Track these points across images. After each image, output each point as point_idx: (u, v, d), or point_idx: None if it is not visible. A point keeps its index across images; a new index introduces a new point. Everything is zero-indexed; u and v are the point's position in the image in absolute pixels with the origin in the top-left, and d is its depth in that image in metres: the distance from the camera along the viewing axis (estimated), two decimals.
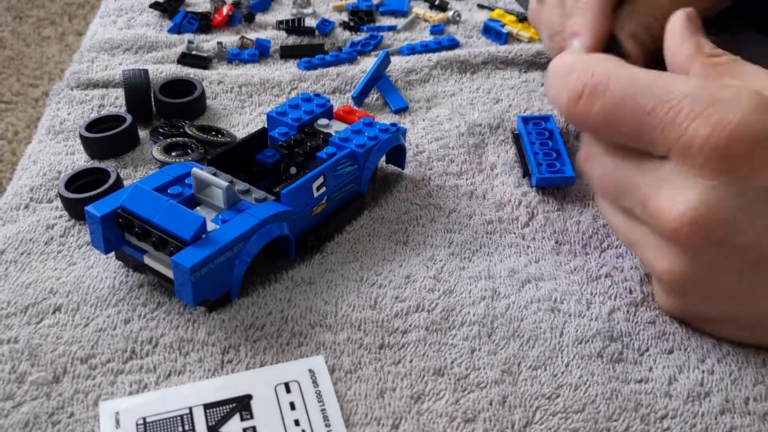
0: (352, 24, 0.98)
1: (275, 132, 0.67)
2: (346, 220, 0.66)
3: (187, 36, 0.92)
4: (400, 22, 1.00)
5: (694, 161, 0.48)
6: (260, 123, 0.79)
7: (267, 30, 0.97)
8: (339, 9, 1.01)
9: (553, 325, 0.57)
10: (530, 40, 0.94)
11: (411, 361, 0.54)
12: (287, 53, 0.91)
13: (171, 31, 0.95)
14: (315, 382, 0.52)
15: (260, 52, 0.91)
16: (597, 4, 0.69)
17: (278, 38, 0.94)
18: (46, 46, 2.78)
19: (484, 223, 0.66)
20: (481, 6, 1.05)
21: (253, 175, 0.64)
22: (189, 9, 1.02)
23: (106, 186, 0.65)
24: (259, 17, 1.01)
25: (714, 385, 0.53)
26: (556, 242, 0.64)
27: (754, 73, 0.54)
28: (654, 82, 0.51)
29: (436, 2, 1.03)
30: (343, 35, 0.96)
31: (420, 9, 1.02)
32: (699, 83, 0.50)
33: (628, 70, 0.53)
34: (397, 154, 0.70)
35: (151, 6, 1.00)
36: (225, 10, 0.97)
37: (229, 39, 0.93)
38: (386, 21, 1.01)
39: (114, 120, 0.75)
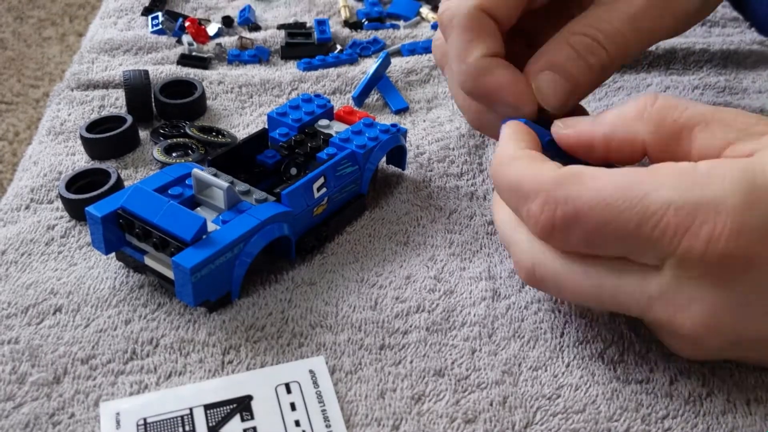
0: (353, 23, 0.98)
1: (276, 133, 0.67)
2: (347, 220, 0.66)
3: (186, 38, 0.92)
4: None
5: (692, 273, 0.46)
6: (261, 124, 0.79)
7: (267, 30, 0.97)
8: (348, 19, 1.00)
9: (554, 325, 0.57)
10: None
11: (411, 362, 0.54)
12: (288, 54, 0.91)
13: (175, 35, 0.95)
14: (315, 383, 0.52)
15: (260, 58, 0.91)
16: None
17: (278, 37, 0.94)
18: (47, 46, 2.78)
19: (484, 223, 0.66)
20: None
21: (254, 176, 0.64)
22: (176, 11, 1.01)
23: (106, 187, 0.65)
24: (259, 15, 1.01)
25: (715, 385, 0.53)
26: None
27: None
28: (628, 195, 0.47)
29: (440, 4, 1.03)
30: (344, 33, 0.96)
31: (423, 10, 1.02)
32: (675, 182, 0.46)
33: (591, 184, 0.48)
34: (398, 155, 0.70)
35: (144, 14, 1.00)
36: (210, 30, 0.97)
37: (229, 40, 0.93)
38: (391, 21, 1.01)
39: (114, 121, 0.75)
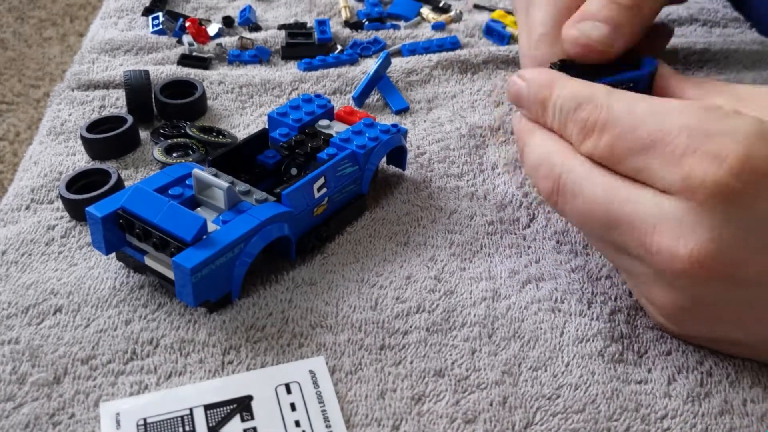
0: (354, 23, 0.98)
1: (276, 133, 0.67)
2: (347, 221, 0.66)
3: (187, 38, 0.92)
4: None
5: (696, 197, 0.46)
6: (261, 124, 0.79)
7: (268, 30, 0.97)
8: (349, 20, 1.00)
9: (554, 325, 0.57)
10: None
11: (411, 362, 0.54)
12: (288, 54, 0.91)
13: (175, 35, 0.95)
14: (315, 383, 0.52)
15: (260, 58, 0.91)
16: None
17: (278, 37, 0.94)
18: (48, 47, 2.78)
19: (485, 224, 0.66)
20: (477, 6, 1.05)
21: (254, 176, 0.64)
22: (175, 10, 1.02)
23: (107, 187, 0.65)
24: (260, 15, 1.01)
25: (713, 386, 0.53)
26: (557, 242, 0.64)
27: (749, 92, 0.54)
28: (656, 110, 0.50)
29: (441, 4, 1.03)
30: (344, 33, 0.96)
31: (424, 10, 1.02)
32: (695, 113, 0.48)
33: (625, 101, 0.52)
34: (398, 155, 0.70)
35: (144, 14, 1.00)
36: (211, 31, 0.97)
37: (229, 40, 0.93)
38: (392, 21, 1.01)
39: (115, 121, 0.75)
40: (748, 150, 0.45)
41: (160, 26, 0.95)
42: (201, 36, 0.93)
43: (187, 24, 0.94)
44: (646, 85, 0.61)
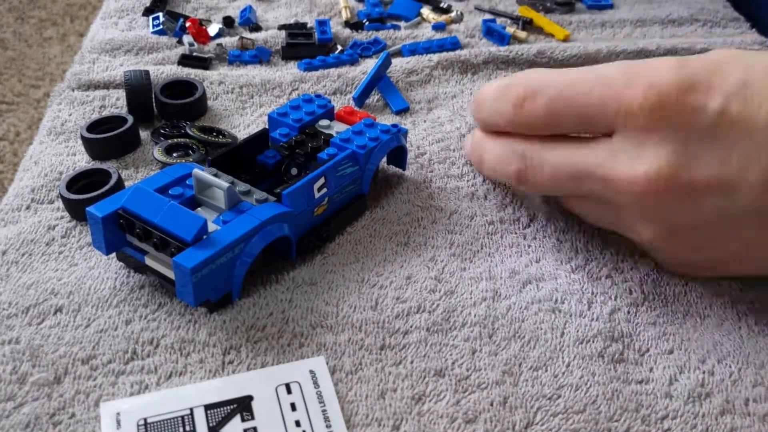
0: (354, 23, 0.98)
1: (276, 133, 0.67)
2: (347, 221, 0.66)
3: (187, 38, 0.92)
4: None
5: (636, 124, 0.53)
6: (261, 124, 0.79)
7: (268, 31, 0.97)
8: (349, 20, 1.00)
9: (554, 325, 0.57)
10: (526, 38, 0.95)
11: (412, 362, 0.54)
12: (288, 54, 0.91)
13: (176, 35, 0.95)
14: (316, 383, 0.52)
15: (260, 58, 0.91)
16: None
17: (278, 37, 0.94)
18: (48, 47, 2.78)
19: (485, 224, 0.66)
20: (478, 8, 1.05)
21: (254, 176, 0.64)
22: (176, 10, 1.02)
23: (107, 187, 0.65)
24: (260, 15, 1.01)
25: (714, 386, 0.53)
26: (558, 241, 0.64)
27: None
28: (583, 71, 0.57)
29: (442, 5, 1.03)
30: (344, 33, 0.96)
31: (424, 10, 1.02)
32: (622, 63, 0.56)
33: (557, 70, 0.59)
34: (399, 155, 0.70)
35: (144, 14, 1.00)
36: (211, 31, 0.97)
37: (230, 40, 0.93)
38: (392, 22, 1.01)
39: (115, 121, 0.75)
40: (672, 74, 0.52)
41: (161, 26, 0.95)
42: (201, 36, 0.93)
43: (188, 24, 0.94)
44: None
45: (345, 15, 1.00)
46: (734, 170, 0.51)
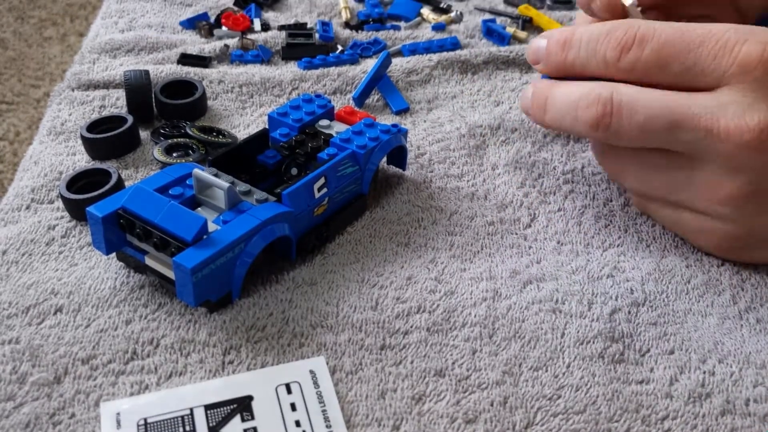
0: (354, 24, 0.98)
1: (276, 133, 0.67)
2: (348, 221, 0.66)
3: (219, 32, 0.94)
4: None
5: (751, 78, 0.54)
6: (261, 124, 0.79)
7: (268, 32, 0.97)
8: (349, 21, 1.01)
9: (555, 325, 0.57)
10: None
11: (412, 362, 0.54)
12: (288, 55, 0.91)
13: (182, 24, 0.96)
14: (316, 383, 0.52)
15: (262, 58, 0.91)
16: None
17: (278, 38, 0.94)
18: (48, 46, 2.78)
19: (485, 224, 0.66)
20: (478, 9, 1.05)
21: (255, 176, 0.64)
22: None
23: (107, 187, 0.65)
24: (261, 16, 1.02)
25: (715, 386, 0.53)
26: (558, 242, 0.64)
27: None
28: (694, 25, 0.56)
29: (442, 5, 1.03)
30: (344, 33, 0.96)
31: (424, 11, 1.02)
32: (728, 24, 0.56)
33: (666, 22, 0.58)
34: (399, 155, 0.70)
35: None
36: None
37: (232, 40, 0.93)
38: (392, 22, 1.01)
39: (115, 121, 0.75)
40: None
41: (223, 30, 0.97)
42: (238, 25, 0.95)
43: (222, 20, 0.96)
44: None
45: (345, 15, 1.00)
46: None
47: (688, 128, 0.56)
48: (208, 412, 0.50)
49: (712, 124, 0.54)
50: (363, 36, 0.95)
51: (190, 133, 0.74)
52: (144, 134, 0.77)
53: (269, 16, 1.02)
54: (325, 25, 0.96)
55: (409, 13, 1.02)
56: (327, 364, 0.53)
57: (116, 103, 0.81)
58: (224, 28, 0.96)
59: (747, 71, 0.54)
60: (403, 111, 0.82)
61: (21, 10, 2.97)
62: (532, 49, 0.65)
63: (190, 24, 0.98)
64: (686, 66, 0.56)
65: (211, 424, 0.49)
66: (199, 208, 0.60)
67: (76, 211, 0.65)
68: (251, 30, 0.97)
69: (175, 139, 0.73)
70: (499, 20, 1.00)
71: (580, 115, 0.60)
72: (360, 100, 0.82)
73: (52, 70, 2.65)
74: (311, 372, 0.53)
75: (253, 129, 0.78)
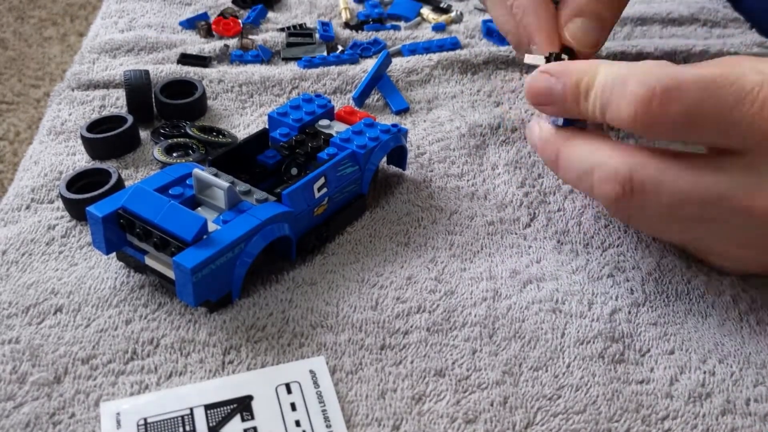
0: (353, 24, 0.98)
1: (276, 133, 0.67)
2: (347, 221, 0.66)
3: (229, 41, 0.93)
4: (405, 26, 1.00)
5: None
6: (261, 124, 0.79)
7: (268, 32, 0.97)
8: (349, 21, 1.01)
9: (555, 325, 0.57)
10: None
11: (412, 362, 0.54)
12: (288, 54, 0.91)
13: (182, 24, 0.96)
14: (316, 383, 0.52)
15: (262, 58, 0.91)
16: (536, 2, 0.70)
17: (278, 38, 0.94)
18: (48, 46, 2.78)
19: (485, 224, 0.66)
20: (478, 9, 1.05)
21: (255, 176, 0.64)
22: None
23: (107, 187, 0.65)
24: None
25: (715, 386, 0.53)
26: (558, 242, 0.64)
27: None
28: (726, 73, 0.50)
29: (442, 5, 1.03)
30: (344, 34, 0.96)
31: (424, 11, 1.02)
32: (757, 67, 0.49)
33: (687, 69, 0.51)
34: (398, 155, 0.70)
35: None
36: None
37: (231, 41, 0.93)
38: (392, 22, 1.01)
39: (115, 121, 0.75)
40: None
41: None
42: (229, 29, 0.95)
43: (213, 26, 0.95)
44: None
45: (345, 16, 1.00)
46: None
47: (716, 207, 0.51)
48: (208, 411, 0.50)
49: (744, 202, 0.50)
50: (363, 36, 0.95)
51: (190, 132, 0.74)
52: (144, 134, 0.77)
53: (269, 16, 1.02)
54: (325, 25, 0.96)
55: (409, 13, 1.02)
56: (327, 364, 0.53)
57: (116, 102, 0.81)
58: (215, 34, 0.96)
59: None
60: (403, 111, 0.82)
61: (21, 10, 2.97)
62: (539, 87, 0.59)
63: (190, 24, 0.98)
64: (720, 130, 0.50)
65: (211, 424, 0.49)
66: (199, 208, 0.60)
67: (76, 211, 0.65)
68: (251, 30, 0.96)
69: (175, 139, 0.73)
70: None
71: (596, 188, 0.55)
72: (360, 99, 0.82)
73: (52, 70, 2.65)
74: (311, 372, 0.53)
75: (253, 129, 0.78)
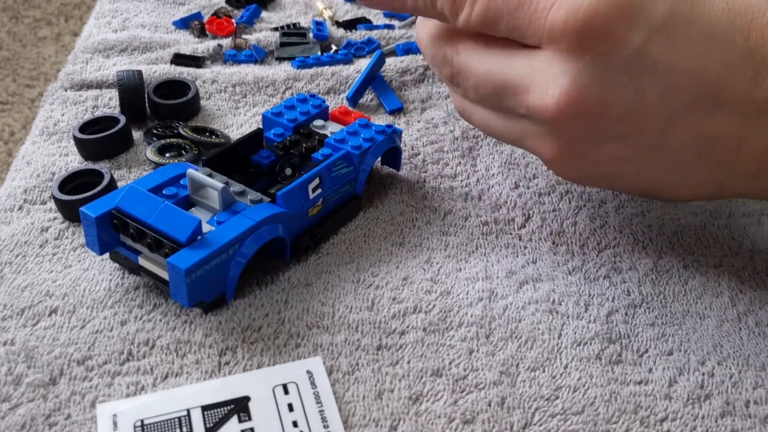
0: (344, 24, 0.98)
1: (270, 133, 0.67)
2: (342, 221, 0.66)
3: (223, 41, 0.93)
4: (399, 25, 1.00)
5: (559, 46, 0.51)
6: (254, 124, 0.79)
7: (261, 32, 0.97)
8: (332, 18, 1.01)
9: (552, 326, 0.57)
10: None
11: (409, 362, 0.54)
12: (282, 54, 0.91)
13: (175, 24, 0.96)
14: (313, 384, 0.52)
15: (255, 58, 0.91)
16: None
17: (272, 38, 0.93)
18: (43, 46, 2.78)
19: (480, 224, 0.66)
20: None
21: (249, 177, 0.64)
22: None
23: (99, 187, 0.65)
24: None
25: (714, 387, 0.53)
26: (553, 243, 0.64)
27: None
28: None
29: None
30: (338, 33, 0.96)
31: None
32: None
33: None
34: (393, 156, 0.70)
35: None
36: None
37: (225, 41, 0.93)
38: (385, 21, 1.01)
39: (108, 121, 0.74)
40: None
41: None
42: (222, 29, 0.95)
43: (207, 25, 0.95)
44: None
45: (326, 15, 1.00)
46: (646, 106, 0.52)
47: (509, 95, 0.56)
48: (205, 413, 0.50)
49: (524, 94, 0.54)
50: (357, 35, 0.95)
51: (183, 133, 0.74)
52: (137, 134, 0.76)
53: (263, 15, 1.02)
54: (319, 25, 0.96)
55: (404, 13, 1.02)
56: (324, 364, 0.53)
57: (109, 103, 0.81)
58: (209, 34, 0.95)
59: (555, 41, 0.51)
60: (397, 111, 0.82)
61: (15, 10, 2.97)
62: None
63: (183, 24, 0.97)
64: (510, 27, 0.54)
65: (208, 425, 0.49)
66: (193, 209, 0.59)
67: (69, 212, 0.65)
68: (244, 29, 0.96)
69: (168, 140, 0.73)
70: None
71: (437, 71, 0.62)
72: (354, 99, 0.82)
73: (47, 69, 2.65)
74: (308, 372, 0.52)
75: (247, 129, 0.78)
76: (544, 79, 0.53)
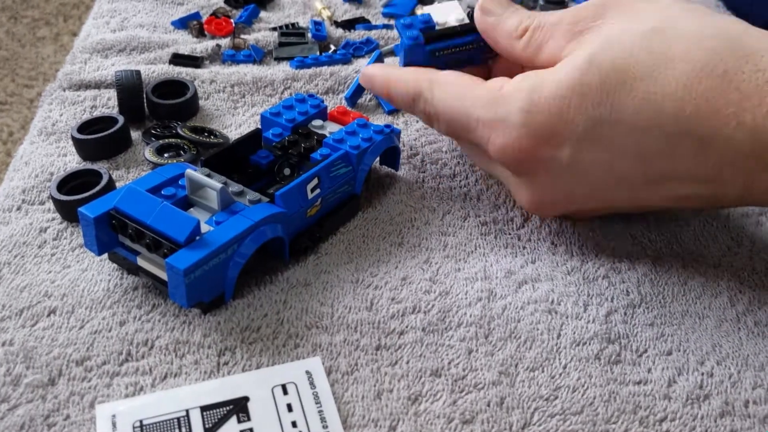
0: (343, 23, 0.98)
1: (269, 133, 0.67)
2: (341, 221, 0.65)
3: (222, 41, 0.93)
4: None
5: (509, 168, 0.61)
6: (253, 124, 0.79)
7: (260, 32, 0.96)
8: (331, 18, 1.00)
9: (551, 326, 0.57)
10: None
11: (408, 362, 0.54)
12: (280, 54, 0.91)
13: (174, 24, 0.96)
14: (312, 384, 0.52)
15: (254, 58, 0.90)
16: None
17: (270, 38, 0.93)
18: (41, 46, 2.77)
19: (478, 224, 0.66)
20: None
21: (247, 177, 0.64)
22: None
23: (98, 188, 0.65)
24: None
25: (714, 387, 0.53)
26: (552, 243, 0.64)
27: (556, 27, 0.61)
28: (461, 106, 0.61)
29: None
30: (337, 33, 0.96)
31: (419, 10, 1.02)
32: (484, 102, 0.59)
33: (443, 91, 0.63)
34: (391, 156, 0.70)
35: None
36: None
37: (224, 41, 0.93)
38: (384, 21, 1.00)
39: (106, 121, 0.74)
40: (519, 135, 0.57)
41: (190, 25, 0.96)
42: (221, 29, 0.94)
43: (205, 25, 0.95)
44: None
45: (325, 15, 1.00)
46: (606, 193, 0.59)
47: (472, 134, 0.62)
48: (204, 413, 0.50)
49: (485, 135, 0.60)
50: (355, 35, 0.95)
51: (182, 133, 0.74)
52: (135, 135, 0.76)
53: (261, 16, 1.02)
54: (318, 25, 0.95)
55: (404, 12, 1.01)
56: (323, 364, 0.53)
57: (107, 103, 0.81)
58: (207, 34, 0.95)
59: (500, 162, 0.60)
60: (396, 111, 0.82)
61: (14, 10, 2.96)
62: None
63: (182, 24, 0.97)
64: (469, 141, 0.63)
65: (207, 426, 0.49)
66: (191, 209, 0.59)
67: (68, 213, 0.65)
68: (243, 29, 0.96)
69: (166, 140, 0.73)
70: None
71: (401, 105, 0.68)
72: (352, 99, 0.82)
73: (46, 70, 2.65)
74: (307, 373, 0.52)
75: (245, 129, 0.78)
76: (511, 185, 0.63)
